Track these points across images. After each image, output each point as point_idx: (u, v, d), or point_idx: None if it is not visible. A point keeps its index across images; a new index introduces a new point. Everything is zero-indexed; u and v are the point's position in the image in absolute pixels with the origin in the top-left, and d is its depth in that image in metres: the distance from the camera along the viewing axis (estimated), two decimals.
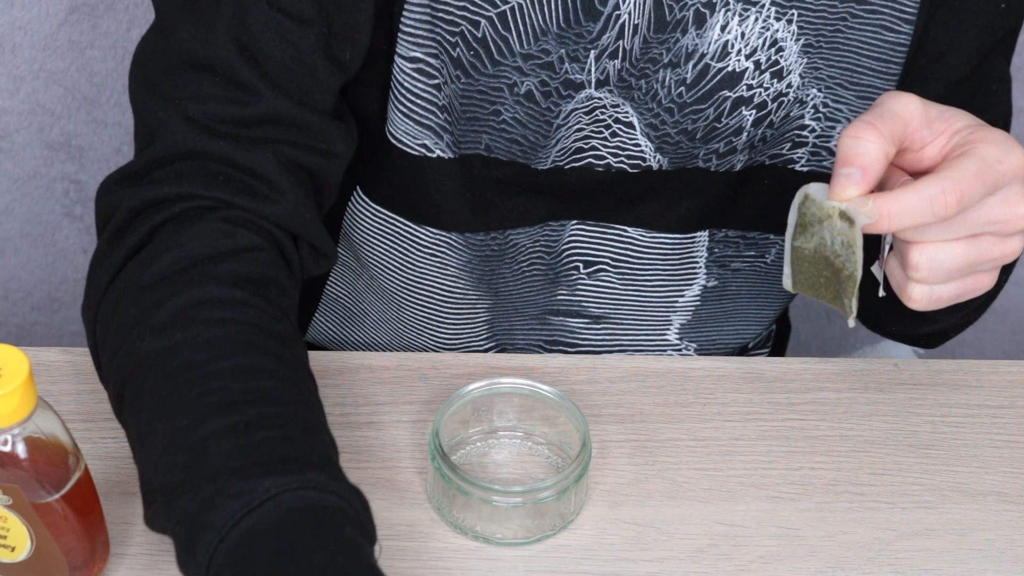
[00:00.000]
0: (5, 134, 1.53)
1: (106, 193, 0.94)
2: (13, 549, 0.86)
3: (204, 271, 0.88)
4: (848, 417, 1.04)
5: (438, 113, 1.01)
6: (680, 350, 1.18)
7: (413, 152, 1.03)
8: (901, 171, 0.89)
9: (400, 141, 1.03)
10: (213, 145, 0.92)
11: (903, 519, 0.98)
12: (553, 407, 0.98)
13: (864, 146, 0.85)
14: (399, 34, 0.98)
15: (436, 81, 1.00)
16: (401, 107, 1.01)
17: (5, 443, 0.82)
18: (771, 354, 1.28)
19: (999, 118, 1.10)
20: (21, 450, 0.82)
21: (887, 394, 1.06)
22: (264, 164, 0.93)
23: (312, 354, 1.05)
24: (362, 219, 1.11)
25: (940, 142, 0.87)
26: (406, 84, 1.00)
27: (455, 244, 1.09)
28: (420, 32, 0.98)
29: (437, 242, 1.09)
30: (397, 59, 0.99)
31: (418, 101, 1.01)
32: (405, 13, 0.97)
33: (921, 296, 0.87)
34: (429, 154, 1.03)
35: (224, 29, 0.92)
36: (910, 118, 0.86)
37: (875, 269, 0.90)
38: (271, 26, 0.92)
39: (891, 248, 0.89)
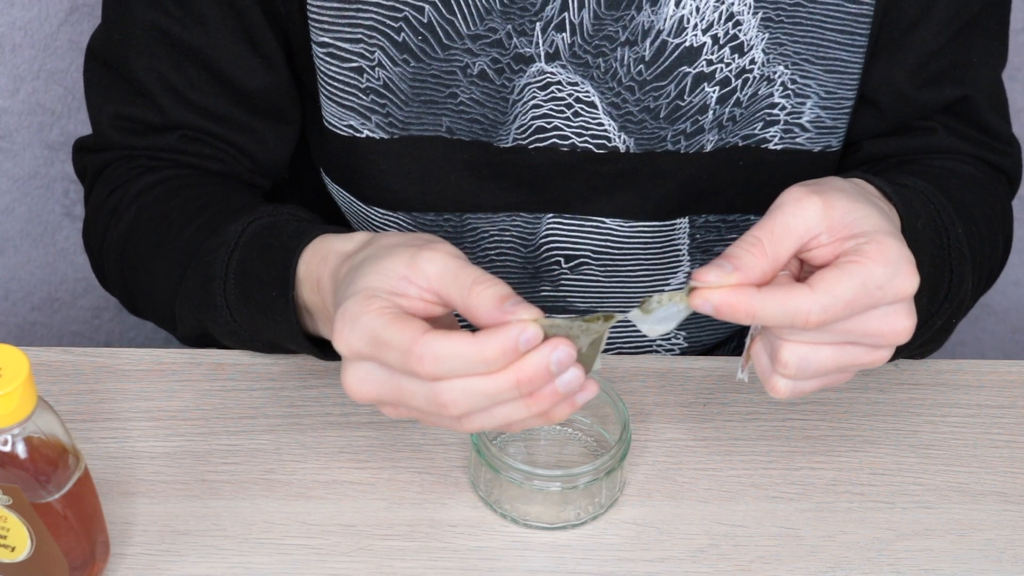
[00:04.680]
0: (5, 134, 1.53)
1: (78, 159, 1.15)
2: (13, 549, 0.86)
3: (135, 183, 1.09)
4: (848, 417, 1.04)
5: (360, 95, 1.04)
6: (669, 339, 1.18)
7: (342, 133, 1.07)
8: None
9: (330, 123, 1.07)
10: (134, 142, 1.09)
11: (903, 519, 0.98)
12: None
13: (747, 257, 0.83)
14: (309, 21, 1.03)
15: (354, 64, 1.03)
16: (323, 90, 1.06)
17: (5, 443, 0.82)
18: None
19: (979, 93, 1.09)
20: (21, 450, 0.83)
21: (887, 394, 1.06)
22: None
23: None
24: (337, 198, 1.14)
25: (835, 245, 0.84)
26: (322, 68, 1.04)
27: (404, 225, 1.11)
28: (325, 18, 1.02)
29: (387, 222, 1.11)
30: (312, 45, 1.04)
31: (335, 83, 1.05)
32: (310, 1, 1.01)
33: (785, 388, 0.86)
34: (357, 135, 1.06)
35: (135, 51, 1.06)
36: (805, 232, 0.84)
37: (741, 375, 0.89)
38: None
39: (754, 335, 0.88)
